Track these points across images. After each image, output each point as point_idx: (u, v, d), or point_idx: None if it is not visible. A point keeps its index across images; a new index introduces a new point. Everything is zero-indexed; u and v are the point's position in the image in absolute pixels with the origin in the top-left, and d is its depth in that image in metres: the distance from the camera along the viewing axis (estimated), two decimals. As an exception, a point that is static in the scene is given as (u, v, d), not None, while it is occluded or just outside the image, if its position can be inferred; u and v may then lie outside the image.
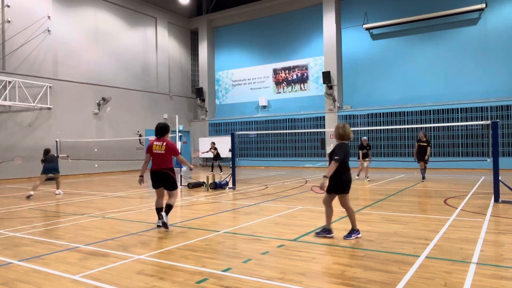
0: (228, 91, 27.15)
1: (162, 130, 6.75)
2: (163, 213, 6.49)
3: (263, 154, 24.86)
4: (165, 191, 6.82)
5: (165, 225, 6.44)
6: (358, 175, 15.23)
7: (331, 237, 5.78)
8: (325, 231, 5.88)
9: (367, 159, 14.93)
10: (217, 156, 20.09)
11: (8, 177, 16.99)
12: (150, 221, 7.38)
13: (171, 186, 6.69)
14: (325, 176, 5.64)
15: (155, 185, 6.72)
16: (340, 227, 6.61)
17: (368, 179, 14.55)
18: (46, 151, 13.08)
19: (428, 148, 14.10)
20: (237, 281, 4.04)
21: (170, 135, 7.03)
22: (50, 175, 12.58)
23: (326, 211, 5.94)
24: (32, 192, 11.48)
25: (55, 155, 13.79)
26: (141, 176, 6.87)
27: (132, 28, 23.50)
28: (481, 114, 18.75)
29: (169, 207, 6.62)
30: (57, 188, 12.65)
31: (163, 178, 6.62)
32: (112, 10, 22.24)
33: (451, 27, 19.96)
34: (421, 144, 14.08)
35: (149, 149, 6.72)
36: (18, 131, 17.42)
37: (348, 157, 5.78)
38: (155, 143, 6.69)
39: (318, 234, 5.90)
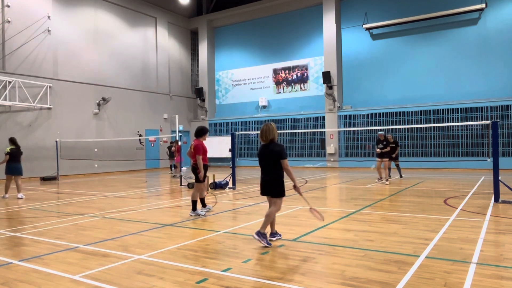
0: (228, 91, 27.15)
1: (196, 132, 8.12)
2: (192, 210, 7.92)
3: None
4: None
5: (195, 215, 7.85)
6: (379, 178, 13.53)
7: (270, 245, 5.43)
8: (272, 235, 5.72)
9: (384, 157, 13.28)
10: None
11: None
12: (150, 221, 7.38)
13: (196, 178, 7.99)
14: None
15: None
16: (340, 227, 6.61)
17: (386, 181, 13.12)
18: (12, 141, 11.58)
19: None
20: (237, 281, 4.04)
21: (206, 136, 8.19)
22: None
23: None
24: (7, 195, 11.35)
25: (21, 151, 11.79)
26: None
27: (132, 28, 23.50)
28: (481, 114, 18.74)
29: (192, 203, 7.90)
30: (19, 191, 11.48)
31: (192, 170, 8.06)
32: (112, 10, 22.24)
33: (451, 27, 19.96)
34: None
35: (190, 148, 8.29)
36: (18, 131, 17.40)
37: (261, 160, 5.68)
38: (192, 142, 8.15)
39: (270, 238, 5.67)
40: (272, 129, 5.59)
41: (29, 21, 18.06)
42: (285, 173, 5.60)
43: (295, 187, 5.59)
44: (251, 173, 20.00)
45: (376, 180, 13.65)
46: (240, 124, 25.83)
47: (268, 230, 5.73)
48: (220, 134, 26.32)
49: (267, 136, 5.58)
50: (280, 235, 5.84)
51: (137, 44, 23.73)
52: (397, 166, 15.33)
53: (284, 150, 5.54)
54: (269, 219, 5.54)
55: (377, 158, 13.72)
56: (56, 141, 18.22)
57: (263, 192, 5.67)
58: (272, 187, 5.54)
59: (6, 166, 11.44)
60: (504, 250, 5.04)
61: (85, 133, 20.23)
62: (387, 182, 13.17)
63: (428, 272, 4.18)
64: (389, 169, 14.82)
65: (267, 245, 5.36)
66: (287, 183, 5.66)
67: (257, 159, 5.80)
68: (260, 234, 5.43)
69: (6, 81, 16.84)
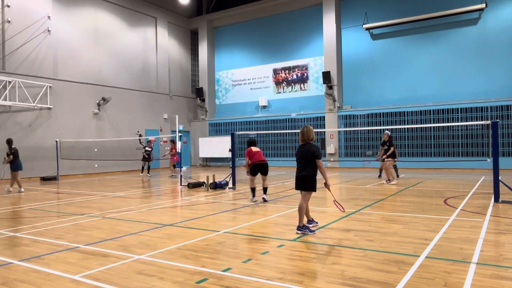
0: (228, 91, 27.15)
1: (249, 143, 10.49)
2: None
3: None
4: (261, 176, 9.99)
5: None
6: (379, 176, 15.28)
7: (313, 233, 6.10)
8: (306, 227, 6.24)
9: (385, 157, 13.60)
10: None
11: (8, 177, 16.97)
12: (150, 221, 7.39)
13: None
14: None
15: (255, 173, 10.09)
16: (340, 227, 6.61)
17: (386, 181, 13.20)
18: (8, 141, 13.44)
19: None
20: (237, 281, 4.04)
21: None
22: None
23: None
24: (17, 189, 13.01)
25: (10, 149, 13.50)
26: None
27: (132, 28, 23.50)
28: (481, 114, 18.74)
29: (251, 190, 9.95)
30: (19, 186, 13.17)
31: (263, 166, 10.23)
32: (112, 10, 22.24)
33: (451, 27, 19.96)
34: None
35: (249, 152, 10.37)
36: (18, 131, 17.41)
37: (298, 157, 6.36)
38: (252, 148, 10.58)
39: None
40: (311, 130, 6.36)
41: (29, 21, 18.05)
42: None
43: (325, 184, 6.30)
44: (251, 173, 19.97)
45: (384, 182, 13.32)
46: (240, 124, 25.82)
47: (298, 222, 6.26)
48: (220, 134, 26.33)
49: (308, 136, 6.29)
50: (317, 222, 6.63)
51: (137, 44, 23.73)
52: (394, 166, 15.19)
53: (319, 151, 6.25)
54: (302, 212, 6.15)
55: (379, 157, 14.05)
56: (56, 141, 18.22)
57: (297, 187, 6.29)
58: (305, 182, 6.18)
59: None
60: (504, 250, 5.04)
61: (85, 133, 20.23)
62: (384, 182, 13.40)
63: (428, 272, 4.18)
64: (381, 170, 15.03)
65: (310, 233, 6.01)
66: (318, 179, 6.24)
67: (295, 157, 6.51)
68: (300, 228, 6.10)
69: (6, 81, 16.84)
